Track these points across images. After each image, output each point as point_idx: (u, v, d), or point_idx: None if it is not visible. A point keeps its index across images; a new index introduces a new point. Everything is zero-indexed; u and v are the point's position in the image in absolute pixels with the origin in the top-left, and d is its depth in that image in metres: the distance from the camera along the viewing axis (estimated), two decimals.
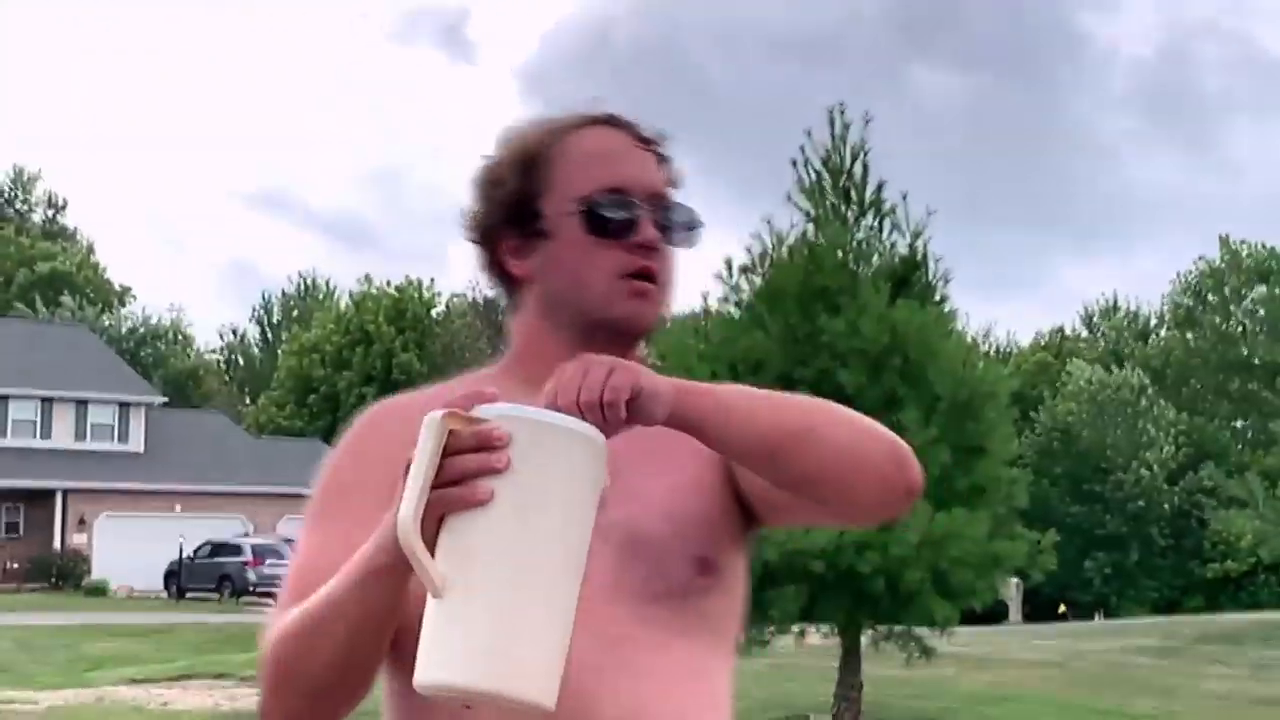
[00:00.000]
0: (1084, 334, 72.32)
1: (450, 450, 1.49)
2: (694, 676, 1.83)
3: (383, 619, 1.59)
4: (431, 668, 1.47)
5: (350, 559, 1.63)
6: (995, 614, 27.47)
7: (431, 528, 1.48)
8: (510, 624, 1.47)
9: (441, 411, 1.49)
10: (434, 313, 67.80)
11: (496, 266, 1.97)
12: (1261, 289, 59.77)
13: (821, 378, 15.29)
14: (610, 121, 1.96)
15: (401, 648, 1.63)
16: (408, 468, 1.48)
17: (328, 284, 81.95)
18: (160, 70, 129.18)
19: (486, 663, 1.45)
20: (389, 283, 67.97)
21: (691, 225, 1.96)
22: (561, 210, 1.88)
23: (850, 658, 16.12)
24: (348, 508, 1.79)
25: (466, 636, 1.47)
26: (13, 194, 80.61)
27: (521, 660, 1.47)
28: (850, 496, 1.85)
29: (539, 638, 1.49)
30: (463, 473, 1.47)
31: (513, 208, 1.91)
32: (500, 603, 1.47)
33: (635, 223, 1.88)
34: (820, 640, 16.49)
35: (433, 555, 1.48)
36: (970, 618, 17.81)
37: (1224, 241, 63.92)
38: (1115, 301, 75.52)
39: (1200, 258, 64.63)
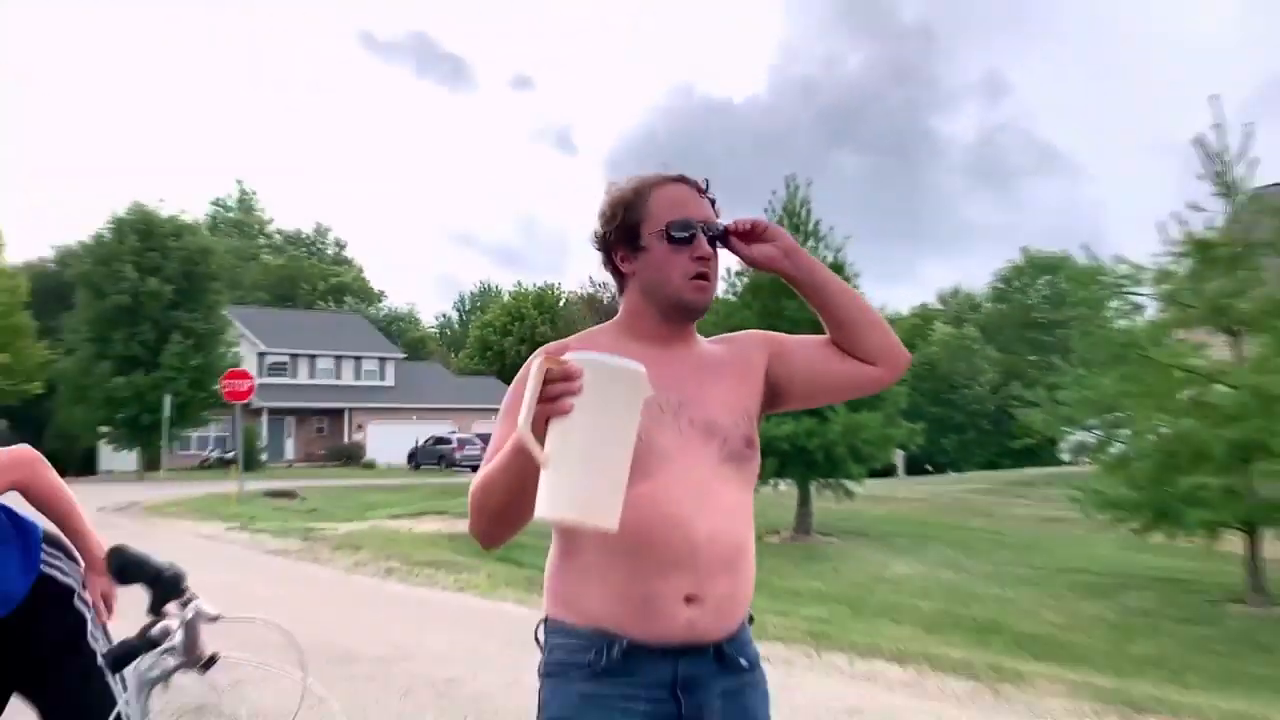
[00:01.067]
0: (940, 307, 71.59)
1: (548, 380, 1.52)
2: (742, 508, 1.86)
3: (525, 479, 1.58)
4: (540, 507, 1.52)
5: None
6: (888, 471, 27.35)
7: (542, 428, 1.52)
8: (584, 482, 1.52)
9: (541, 357, 1.54)
10: (560, 302, 67.83)
11: (612, 267, 1.96)
12: (1046, 278, 59.37)
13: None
14: (680, 179, 1.94)
15: None
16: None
17: (495, 287, 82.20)
18: (390, 151, 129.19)
19: (570, 504, 1.51)
20: (534, 285, 68.51)
21: (723, 235, 1.94)
22: (653, 232, 1.88)
23: (804, 497, 16.12)
24: (515, 412, 1.81)
25: (559, 489, 1.52)
26: (314, 239, 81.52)
27: (590, 502, 1.51)
28: (892, 354, 2.00)
29: (600, 489, 1.52)
30: (554, 394, 1.51)
31: (623, 231, 1.91)
32: (578, 470, 1.52)
33: (695, 239, 1.88)
34: (786, 488, 16.49)
35: (543, 444, 1.53)
36: (873, 474, 17.79)
37: (1024, 250, 63.63)
38: (957, 287, 75.12)
39: (1008, 261, 64.51)
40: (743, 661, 1.84)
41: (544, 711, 1.81)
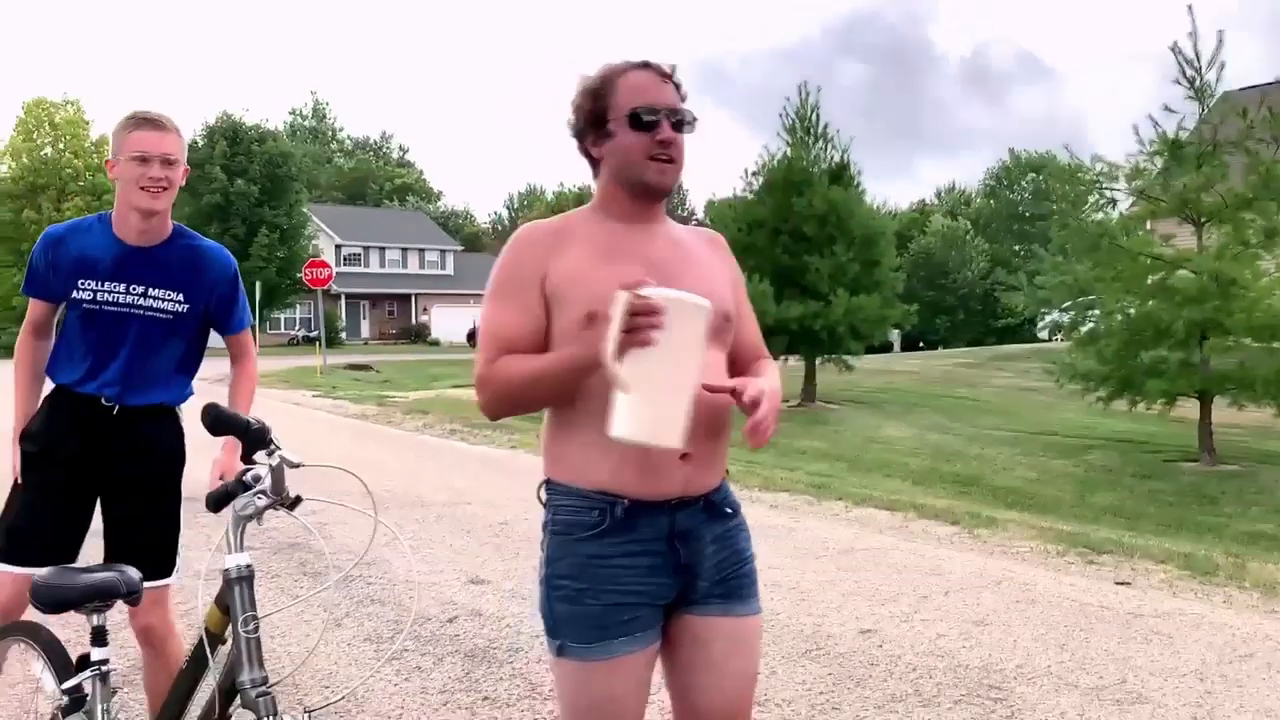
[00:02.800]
0: (935, 201, 70.21)
1: (630, 313, 1.50)
2: (723, 377, 1.79)
3: (570, 390, 1.62)
4: (618, 427, 1.53)
5: (556, 353, 1.67)
6: (885, 348, 27.23)
7: (620, 355, 1.51)
8: (656, 408, 1.52)
9: (627, 292, 1.51)
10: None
11: (586, 153, 1.84)
12: (1031, 176, 58.09)
13: (794, 228, 15.11)
14: (644, 65, 1.80)
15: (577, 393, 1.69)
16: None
17: (540, 188, 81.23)
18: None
19: (643, 428, 1.52)
20: (574, 186, 67.57)
21: (690, 121, 1.79)
22: (618, 119, 1.76)
23: (810, 371, 16.15)
24: (514, 292, 1.75)
25: (635, 413, 1.52)
26: (380, 145, 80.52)
27: (661, 426, 1.53)
28: None
29: (672, 414, 1.54)
30: (638, 326, 1.49)
31: (593, 118, 1.79)
32: (652, 398, 1.52)
33: (658, 123, 1.75)
34: (794, 363, 16.52)
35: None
36: (871, 350, 17.75)
37: (1012, 151, 62.12)
38: (953, 184, 73.27)
39: (999, 161, 62.98)
40: (728, 509, 1.83)
41: (550, 566, 1.77)
